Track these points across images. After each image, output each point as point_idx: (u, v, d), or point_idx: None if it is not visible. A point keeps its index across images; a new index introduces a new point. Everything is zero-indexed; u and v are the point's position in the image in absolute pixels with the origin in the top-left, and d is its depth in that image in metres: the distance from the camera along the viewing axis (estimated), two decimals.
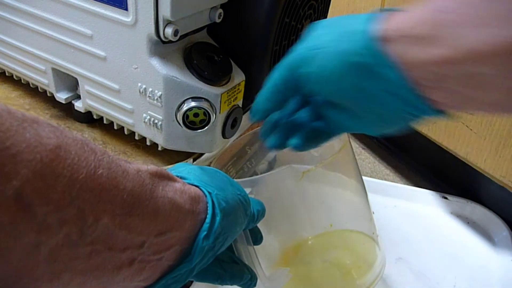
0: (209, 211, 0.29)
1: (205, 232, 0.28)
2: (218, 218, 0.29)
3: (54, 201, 0.19)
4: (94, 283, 0.23)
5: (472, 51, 0.23)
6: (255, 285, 0.39)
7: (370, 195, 0.55)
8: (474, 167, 0.68)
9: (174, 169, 0.34)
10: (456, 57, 0.23)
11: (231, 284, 0.37)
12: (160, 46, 0.43)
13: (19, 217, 0.18)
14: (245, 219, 0.34)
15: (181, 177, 0.31)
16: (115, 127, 0.53)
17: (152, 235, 0.25)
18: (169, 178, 0.28)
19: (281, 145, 0.38)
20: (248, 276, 0.38)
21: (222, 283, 0.35)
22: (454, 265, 0.62)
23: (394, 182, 0.83)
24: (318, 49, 0.30)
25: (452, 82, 0.24)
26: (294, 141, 0.37)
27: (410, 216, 0.70)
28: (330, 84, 0.30)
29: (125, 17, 0.42)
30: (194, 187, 0.30)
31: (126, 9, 0.41)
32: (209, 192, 0.30)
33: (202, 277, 0.34)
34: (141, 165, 0.26)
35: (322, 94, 0.32)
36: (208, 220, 0.29)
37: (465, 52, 0.23)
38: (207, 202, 0.29)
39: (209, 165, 0.53)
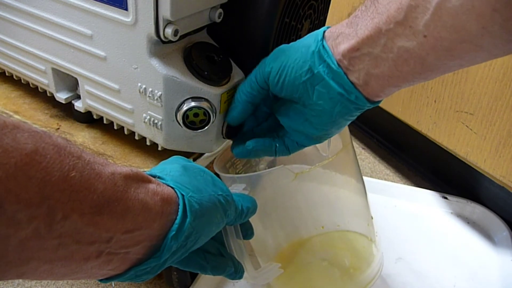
0: (180, 213, 0.31)
1: (173, 232, 0.30)
2: (188, 220, 0.31)
3: (25, 200, 0.21)
4: (62, 270, 0.25)
5: (362, 39, 0.35)
6: (240, 277, 0.41)
7: (370, 195, 0.55)
8: (474, 167, 0.68)
9: (164, 163, 0.36)
10: (356, 45, 0.36)
11: (213, 275, 0.39)
12: (160, 46, 0.43)
13: None
14: (224, 219, 0.35)
15: (159, 177, 0.33)
16: (115, 127, 0.53)
17: (120, 232, 0.27)
18: (143, 180, 0.29)
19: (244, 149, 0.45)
20: (231, 270, 0.40)
21: (204, 273, 0.38)
22: (454, 265, 0.62)
23: (394, 182, 0.83)
24: (286, 49, 0.41)
25: (357, 63, 0.37)
26: (250, 143, 0.45)
27: (410, 216, 0.70)
28: (290, 71, 0.40)
29: (125, 17, 0.42)
30: (168, 188, 0.31)
31: (126, 9, 0.41)
32: (182, 194, 0.31)
33: (185, 265, 0.36)
34: (117, 167, 0.28)
35: (282, 87, 0.41)
36: (177, 221, 0.30)
37: (359, 40, 0.36)
38: (178, 204, 0.31)
39: (212, 161, 0.53)
